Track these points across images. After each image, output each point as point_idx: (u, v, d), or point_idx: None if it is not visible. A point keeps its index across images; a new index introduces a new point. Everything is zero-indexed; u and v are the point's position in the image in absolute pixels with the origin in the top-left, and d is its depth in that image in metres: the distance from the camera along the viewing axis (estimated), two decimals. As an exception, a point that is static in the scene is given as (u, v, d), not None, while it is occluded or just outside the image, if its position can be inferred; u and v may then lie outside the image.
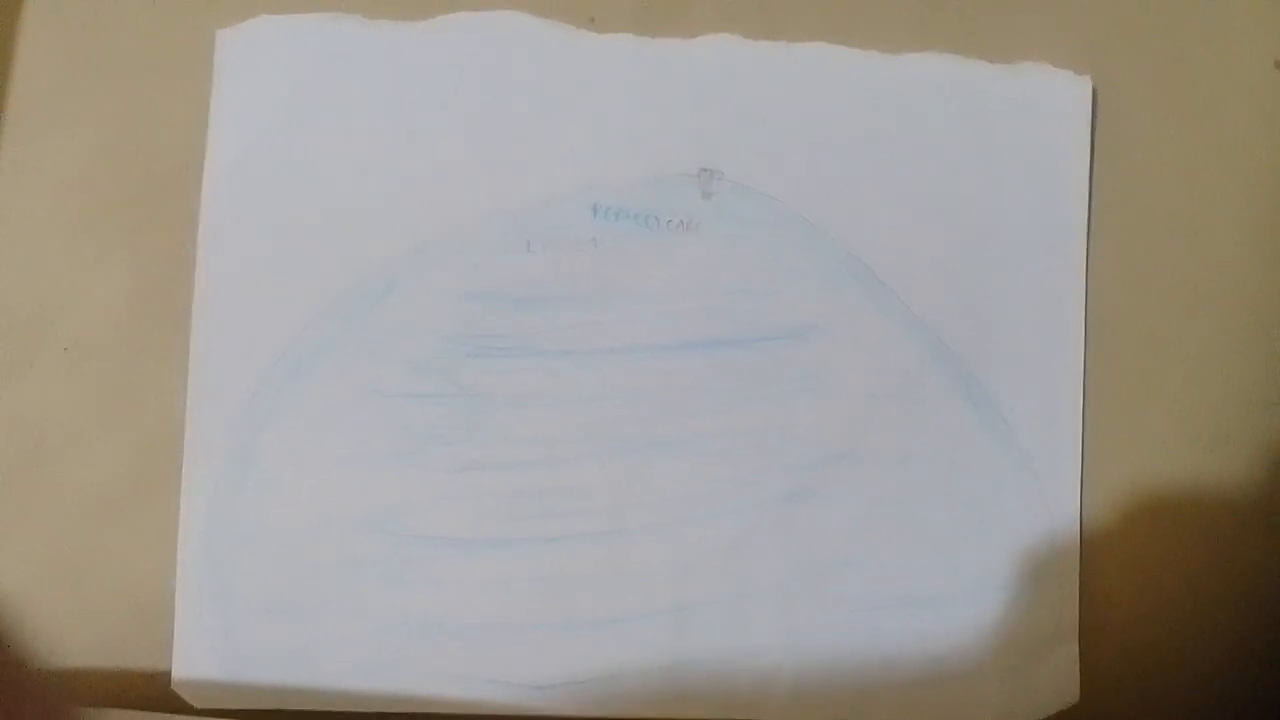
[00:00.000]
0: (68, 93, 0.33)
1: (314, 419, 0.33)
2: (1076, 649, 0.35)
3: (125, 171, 0.33)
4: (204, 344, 0.33)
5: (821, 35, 0.35)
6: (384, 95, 0.34)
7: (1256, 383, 0.36)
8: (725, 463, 0.34)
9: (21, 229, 0.33)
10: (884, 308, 0.35)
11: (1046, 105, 0.35)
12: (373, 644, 0.33)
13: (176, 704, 0.32)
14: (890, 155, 0.35)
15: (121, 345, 0.33)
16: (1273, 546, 0.36)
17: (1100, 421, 0.36)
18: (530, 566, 0.33)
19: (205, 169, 0.33)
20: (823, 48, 0.35)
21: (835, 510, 0.34)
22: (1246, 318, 0.36)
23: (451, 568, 0.33)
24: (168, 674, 0.32)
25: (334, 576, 0.33)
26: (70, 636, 0.32)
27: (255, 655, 0.33)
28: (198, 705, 0.32)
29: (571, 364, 0.34)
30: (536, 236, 0.33)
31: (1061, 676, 0.35)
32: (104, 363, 0.33)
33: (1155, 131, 0.37)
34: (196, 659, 0.32)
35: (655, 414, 0.34)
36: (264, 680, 0.33)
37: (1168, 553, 0.36)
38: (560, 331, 0.33)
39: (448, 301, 0.33)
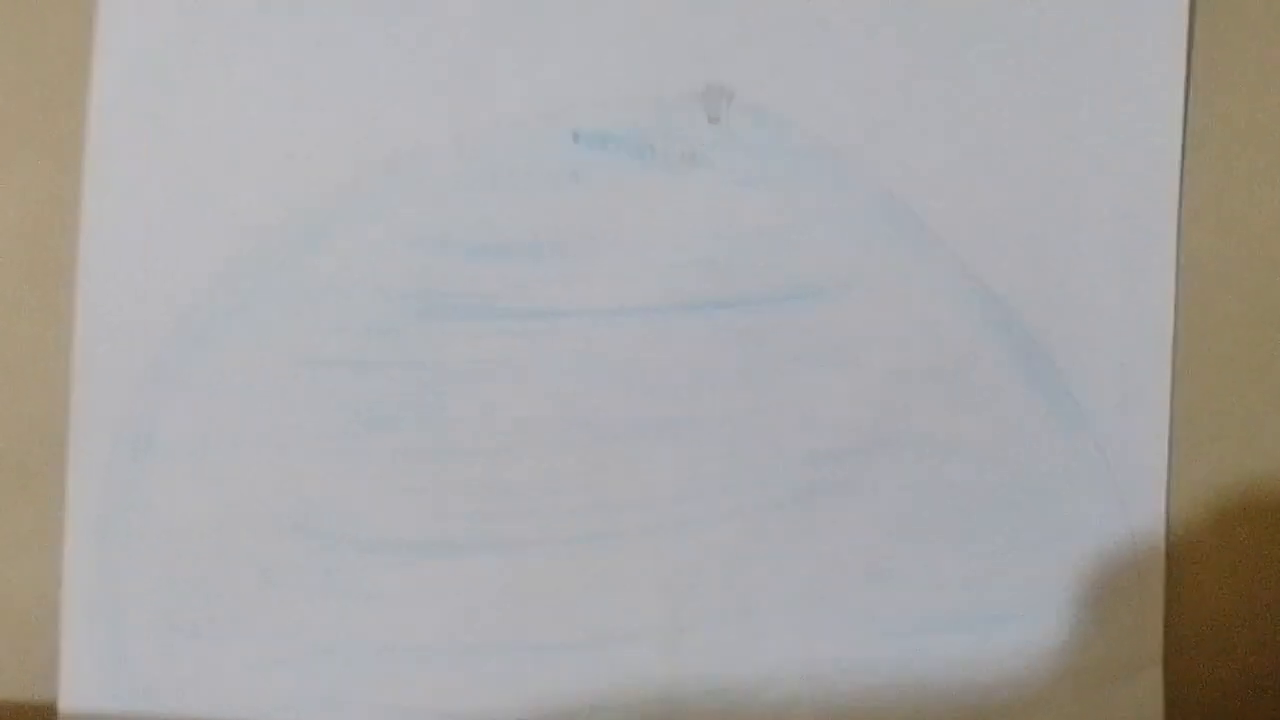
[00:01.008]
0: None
1: (227, 395, 0.31)
2: (1160, 676, 0.33)
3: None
4: (92, 302, 0.30)
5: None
6: (313, -5, 0.31)
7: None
8: (731, 452, 0.32)
9: None
10: (930, 263, 0.32)
11: (1133, 13, 0.33)
12: (300, 670, 0.31)
13: (63, 740, 0.30)
14: (941, 73, 0.32)
15: (-10, 303, 0.31)
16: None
17: (1191, 407, 0.34)
18: (493, 576, 0.31)
19: (91, 88, 0.30)
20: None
21: (864, 510, 0.32)
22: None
23: (396, 578, 0.31)
24: (53, 705, 0.31)
25: (252, 588, 0.31)
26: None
27: (157, 683, 0.31)
28: (89, 741, 0.31)
29: (545, 328, 0.31)
30: (502, 170, 0.31)
31: (1142, 710, 0.33)
32: (-31, 325, 0.31)
33: (1266, 46, 0.34)
34: (87, 687, 0.31)
35: (647, 391, 0.32)
36: (167, 712, 0.31)
37: (1268, 565, 0.34)
38: (531, 288, 0.31)
39: (393, 250, 0.31)
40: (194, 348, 0.31)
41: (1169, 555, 0.33)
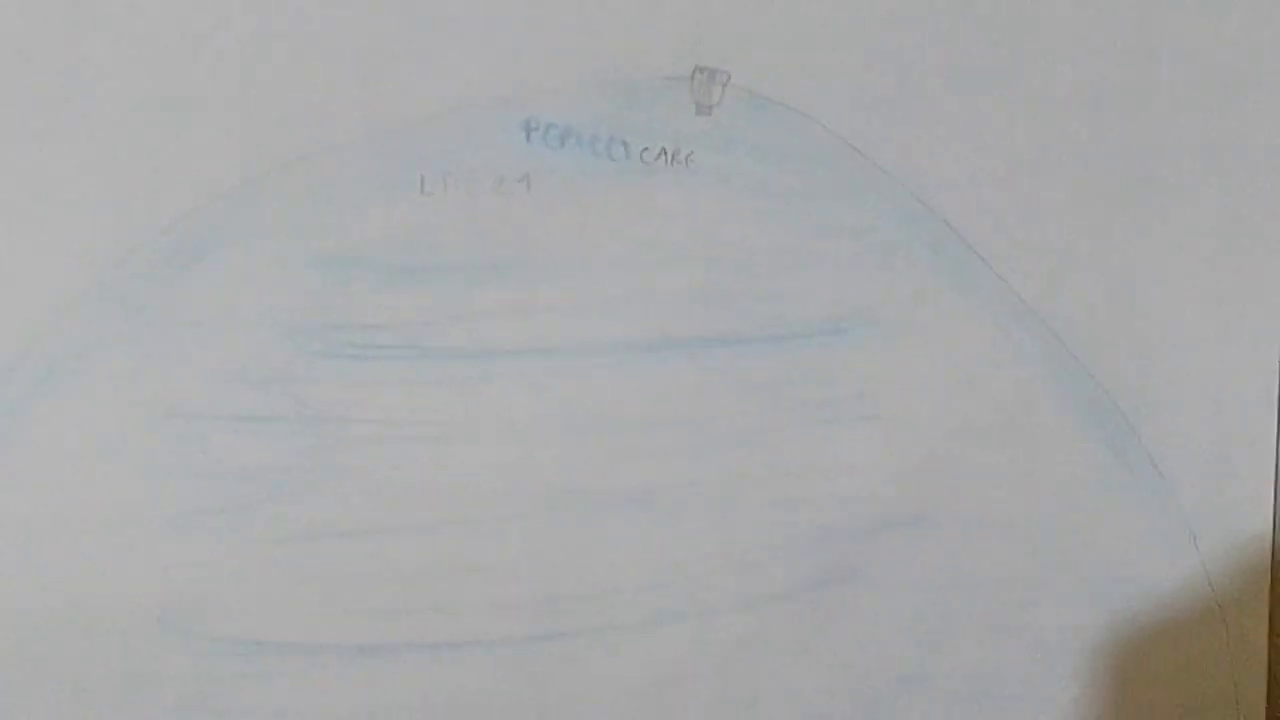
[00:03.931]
0: None
1: (72, 455, 0.28)
2: None
3: None
4: None
5: None
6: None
7: None
8: (723, 528, 0.29)
9: None
10: (977, 294, 0.30)
11: None
12: None
13: None
14: (993, 55, 0.30)
15: None
16: None
17: None
18: (414, 688, 0.28)
19: None
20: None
21: (893, 602, 0.30)
22: None
23: (289, 689, 0.28)
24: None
25: (108, 697, 0.28)
26: None
27: None
28: None
29: (484, 371, 0.28)
30: (433, 170, 0.28)
31: None
32: None
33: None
34: None
35: (616, 452, 0.29)
36: None
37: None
38: (467, 320, 0.28)
39: (288, 271, 0.28)
40: (30, 396, 0.27)
41: (1272, 662, 0.30)
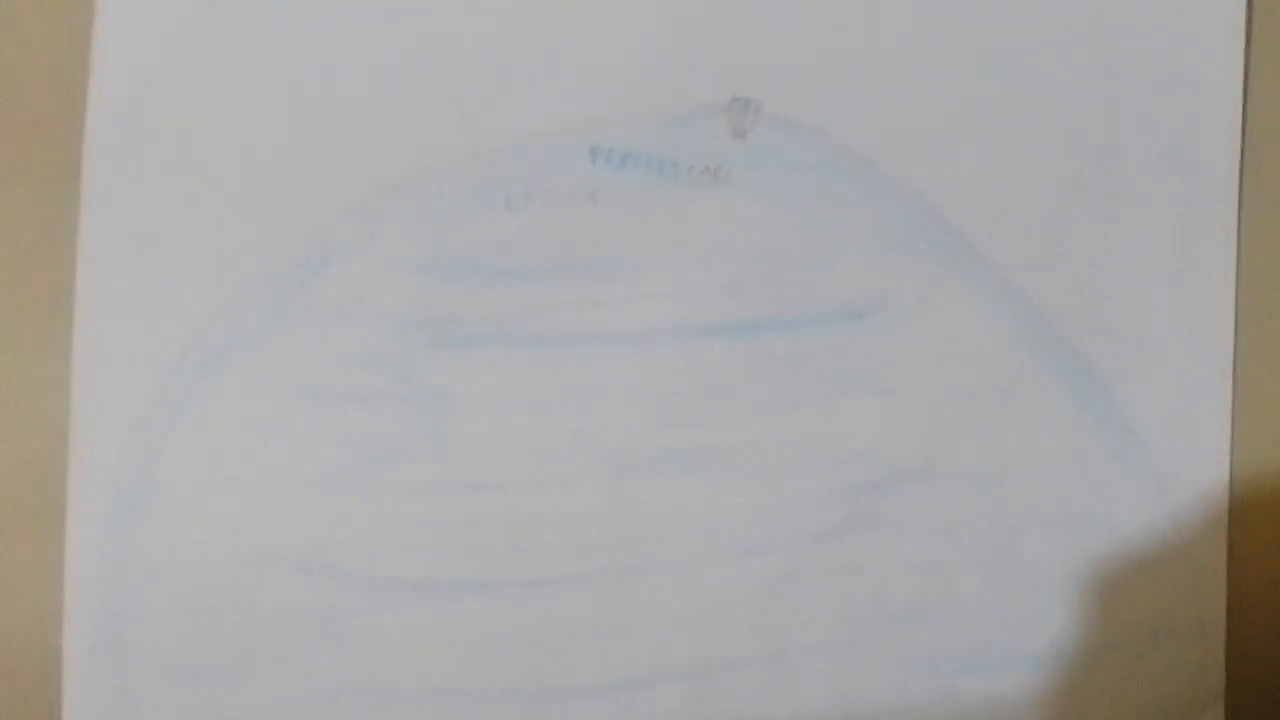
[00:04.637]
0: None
1: (232, 428, 0.30)
2: (1222, 717, 0.33)
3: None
4: (91, 332, 0.29)
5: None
6: (315, 6, 0.30)
7: None
8: (760, 484, 0.31)
9: None
10: (971, 280, 0.31)
11: (1187, 12, 0.32)
12: (310, 714, 0.30)
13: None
14: (982, 79, 0.31)
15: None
16: None
17: (1253, 430, 0.32)
18: (510, 617, 0.30)
19: (88, 107, 0.29)
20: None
21: (904, 543, 0.31)
22: None
23: (409, 619, 0.30)
24: (55, 753, 0.30)
25: (259, 629, 0.30)
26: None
27: None
28: (93, 787, 0.29)
29: (562, 356, 0.30)
30: (516, 190, 0.30)
31: None
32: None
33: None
34: None
35: (671, 420, 0.31)
36: (174, 761, 0.30)
37: (1337, 598, 0.33)
38: (548, 314, 0.30)
39: (401, 276, 0.30)
40: (196, 380, 0.30)
41: (1231, 588, 0.32)
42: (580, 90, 0.30)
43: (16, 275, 0.30)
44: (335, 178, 0.30)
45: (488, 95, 0.30)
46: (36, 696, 0.30)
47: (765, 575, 0.31)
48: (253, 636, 0.30)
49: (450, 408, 0.30)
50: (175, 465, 0.30)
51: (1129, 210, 0.31)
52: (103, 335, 0.29)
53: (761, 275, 0.31)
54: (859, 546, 0.31)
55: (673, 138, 0.30)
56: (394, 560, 0.30)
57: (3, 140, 0.30)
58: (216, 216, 0.30)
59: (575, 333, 0.30)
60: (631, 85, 0.30)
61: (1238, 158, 0.32)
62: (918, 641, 0.31)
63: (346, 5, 0.30)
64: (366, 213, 0.30)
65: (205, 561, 0.30)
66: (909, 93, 0.31)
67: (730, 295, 0.31)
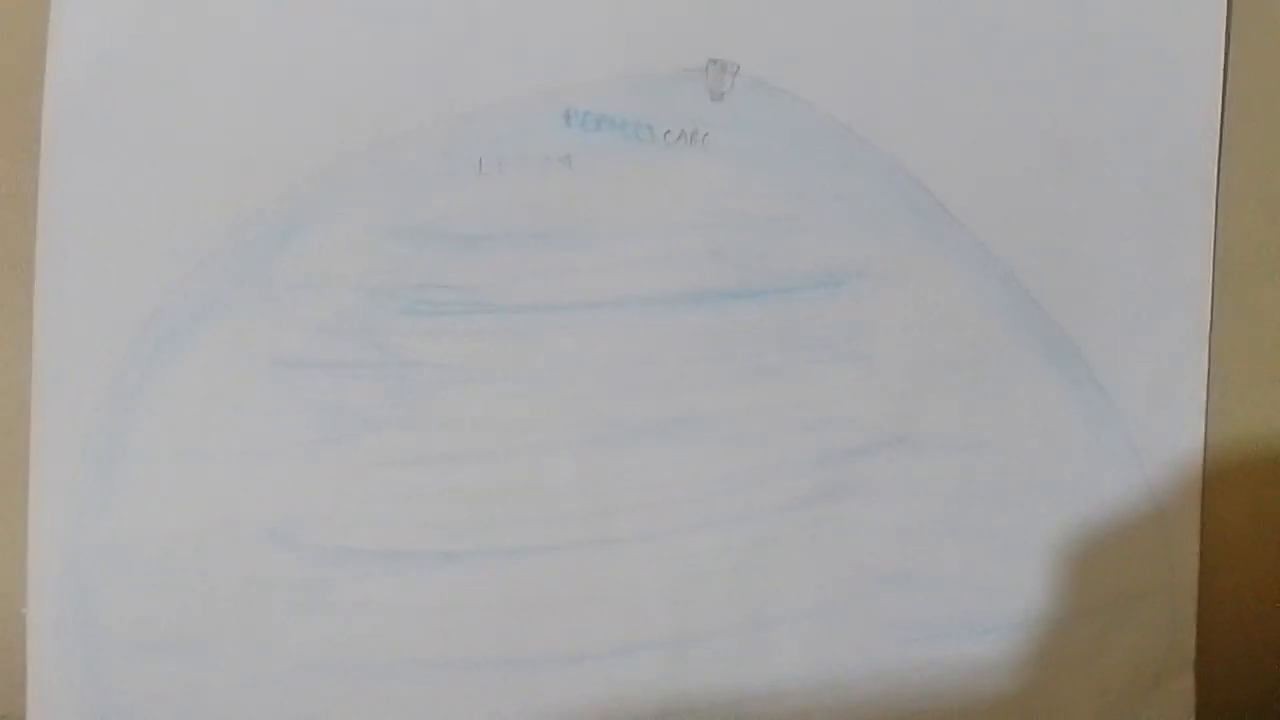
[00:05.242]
0: None
1: (199, 398, 0.29)
2: (1193, 682, 0.33)
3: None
4: (54, 303, 0.29)
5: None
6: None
7: None
8: (738, 452, 0.31)
9: None
10: (949, 247, 0.31)
11: None
12: (281, 686, 0.30)
13: (32, 761, 0.30)
14: (962, 45, 0.31)
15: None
16: None
17: (1228, 398, 0.32)
18: (485, 587, 0.30)
19: (48, 74, 0.29)
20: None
21: (879, 511, 0.31)
22: None
23: (382, 589, 0.30)
24: (20, 726, 0.30)
25: (229, 601, 0.30)
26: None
27: (130, 700, 0.30)
28: (60, 762, 0.30)
29: (537, 323, 0.30)
30: (489, 154, 0.30)
31: (1174, 716, 0.32)
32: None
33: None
34: (56, 705, 0.30)
35: (647, 389, 0.31)
36: (144, 733, 0.30)
37: (1310, 565, 0.33)
38: (522, 280, 0.30)
39: (371, 241, 0.29)
40: (161, 350, 0.29)
41: (1204, 556, 0.32)
42: (554, 52, 0.29)
43: (-27, 244, 0.30)
44: (302, 142, 0.29)
45: (458, 57, 0.29)
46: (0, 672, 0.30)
47: (742, 543, 0.31)
48: (222, 608, 0.30)
49: (422, 376, 0.30)
50: (142, 435, 0.29)
51: (1108, 180, 0.31)
52: (66, 305, 0.29)
53: (738, 241, 0.30)
54: (836, 514, 0.31)
55: (649, 100, 0.30)
56: (365, 531, 0.30)
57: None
58: (180, 182, 0.29)
59: (549, 300, 0.30)
60: (606, 47, 0.30)
61: (1217, 127, 0.32)
62: (894, 608, 0.31)
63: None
64: (334, 178, 0.29)
65: (173, 533, 0.29)
66: (888, 58, 0.30)
67: (707, 261, 0.30)
